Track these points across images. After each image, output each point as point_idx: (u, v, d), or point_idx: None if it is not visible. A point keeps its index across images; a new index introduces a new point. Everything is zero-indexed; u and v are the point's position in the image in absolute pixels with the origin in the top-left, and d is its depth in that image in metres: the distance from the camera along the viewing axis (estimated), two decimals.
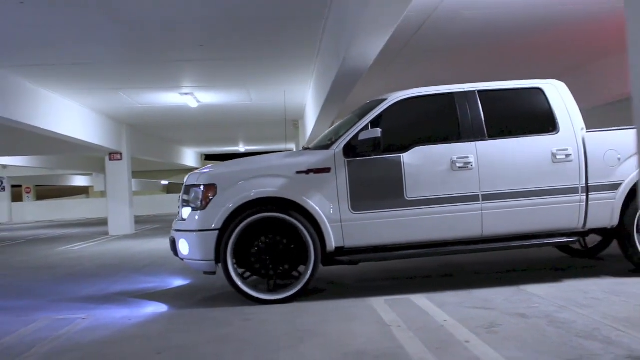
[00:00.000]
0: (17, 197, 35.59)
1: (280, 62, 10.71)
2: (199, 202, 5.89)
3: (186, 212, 6.03)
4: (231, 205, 5.76)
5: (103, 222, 22.83)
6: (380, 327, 4.73)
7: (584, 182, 6.04)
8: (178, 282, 7.66)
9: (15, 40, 8.75)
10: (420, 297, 5.79)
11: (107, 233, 17.90)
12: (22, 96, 11.36)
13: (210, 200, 5.84)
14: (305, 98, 14.50)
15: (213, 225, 5.78)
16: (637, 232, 6.18)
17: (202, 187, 5.92)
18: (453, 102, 6.14)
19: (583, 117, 6.30)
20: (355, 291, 6.31)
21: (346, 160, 5.90)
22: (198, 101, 13.95)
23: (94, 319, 5.66)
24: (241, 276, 5.93)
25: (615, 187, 6.06)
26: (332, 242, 5.84)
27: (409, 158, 5.93)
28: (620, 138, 6.20)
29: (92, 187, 44.43)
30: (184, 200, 6.14)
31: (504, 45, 10.05)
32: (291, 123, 18.07)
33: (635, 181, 6.05)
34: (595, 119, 11.74)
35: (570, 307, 5.04)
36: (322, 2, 7.46)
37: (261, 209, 5.80)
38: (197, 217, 5.88)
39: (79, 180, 43.75)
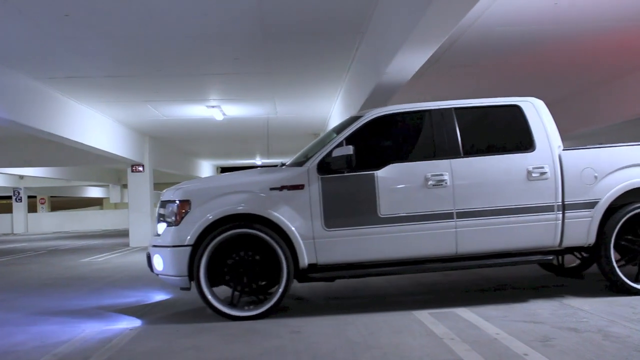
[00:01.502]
0: (31, 208, 35.77)
1: (311, 76, 10.79)
2: (173, 218, 5.93)
3: (161, 227, 6.06)
4: (204, 222, 5.79)
5: (121, 234, 22.93)
6: (434, 340, 4.74)
7: (560, 200, 6.00)
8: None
9: (52, 53, 8.86)
10: (464, 310, 5.81)
11: (127, 244, 17.98)
12: (52, 107, 11.48)
13: (185, 215, 5.87)
14: (329, 111, 14.56)
15: (186, 241, 5.81)
16: (615, 250, 6.16)
17: (176, 203, 5.95)
18: (429, 120, 6.13)
19: (615, 130, 6.32)
20: (397, 304, 6.32)
21: (320, 177, 5.91)
22: (224, 114, 14.04)
23: (140, 329, 5.70)
24: (214, 292, 5.91)
25: (592, 205, 6.02)
26: (304, 259, 5.84)
27: (383, 175, 5.92)
28: (598, 156, 6.17)
29: (106, 198, 44.60)
30: (159, 215, 6.16)
31: (537, 61, 10.08)
32: (312, 136, 18.14)
33: (612, 199, 6.03)
34: (628, 132, 11.83)
35: (620, 321, 5.05)
36: (362, 17, 7.54)
37: (234, 226, 5.82)
38: (171, 233, 5.90)
39: (93, 192, 43.94)
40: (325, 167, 5.91)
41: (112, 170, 28.88)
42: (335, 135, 6.18)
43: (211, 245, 5.78)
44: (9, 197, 34.59)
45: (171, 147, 21.50)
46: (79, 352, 4.95)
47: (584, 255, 7.26)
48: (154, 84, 11.25)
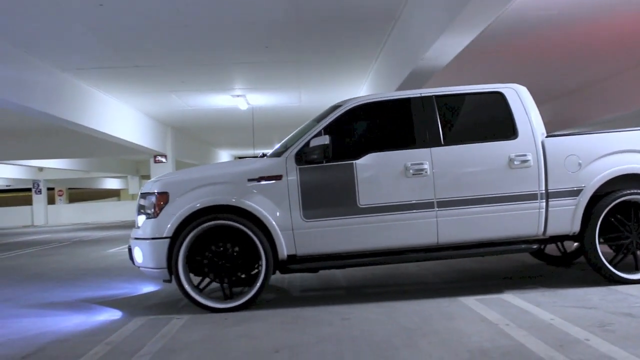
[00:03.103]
0: (49, 200, 36.02)
1: (339, 63, 10.78)
2: (152, 210, 5.92)
3: (141, 219, 6.04)
4: (182, 214, 5.76)
5: None
6: (489, 326, 4.72)
7: (543, 188, 5.89)
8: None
9: (83, 44, 8.89)
10: (511, 296, 5.78)
11: None
12: (80, 98, 11.53)
13: (163, 208, 5.85)
14: None
15: (165, 234, 5.78)
16: (600, 238, 6.04)
17: (155, 195, 5.93)
18: (409, 108, 6.02)
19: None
20: (440, 291, 6.29)
21: (298, 167, 5.84)
22: (248, 103, 14.04)
23: (187, 318, 5.70)
24: (193, 284, 5.88)
25: (576, 192, 5.90)
26: (284, 250, 5.79)
27: (362, 165, 5.84)
28: (582, 143, 6.04)
29: (124, 189, 44.83)
30: (139, 207, 6.13)
31: (570, 42, 9.97)
32: None
33: (596, 186, 5.90)
34: None
35: None
36: (397, 2, 7.47)
37: (212, 217, 5.79)
38: (150, 225, 5.88)
39: (111, 183, 44.18)
40: (303, 157, 5.82)
41: (131, 161, 29.00)
42: (315, 124, 6.09)
43: (189, 237, 5.75)
44: (29, 190, 34.84)
45: (192, 138, 21.57)
46: (132, 340, 4.96)
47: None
48: (181, 73, 11.27)
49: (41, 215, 32.97)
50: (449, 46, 6.63)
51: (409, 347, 4.30)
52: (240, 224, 5.76)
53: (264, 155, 6.30)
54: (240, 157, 36.26)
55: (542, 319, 4.85)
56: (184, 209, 5.79)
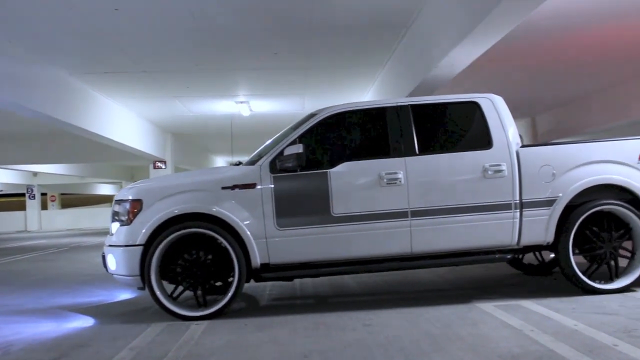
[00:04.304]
0: (42, 205, 35.83)
1: (346, 70, 10.82)
2: (125, 217, 5.91)
3: (115, 226, 6.03)
4: (155, 221, 5.75)
5: None
6: (513, 332, 4.74)
7: (517, 197, 5.89)
8: (259, 286, 7.67)
9: (94, 48, 8.89)
10: (528, 302, 5.81)
11: None
12: (84, 102, 11.55)
13: (137, 215, 5.84)
14: None
15: (138, 241, 5.77)
16: (576, 248, 6.07)
17: (129, 202, 5.92)
18: (385, 117, 6.02)
19: None
20: (455, 298, 6.31)
21: (272, 175, 5.84)
22: (251, 110, 14.05)
23: (206, 324, 5.68)
24: (166, 292, 5.87)
25: (550, 203, 5.91)
26: (257, 259, 5.79)
27: (336, 173, 5.84)
28: (556, 153, 6.06)
29: None
30: (113, 214, 6.12)
31: (575, 51, 10.05)
32: None
33: (570, 197, 5.91)
34: None
35: None
36: (409, 11, 7.53)
37: (185, 225, 5.78)
38: (123, 232, 5.86)
39: (104, 189, 44.01)
40: (277, 165, 5.83)
41: (126, 167, 28.91)
42: (291, 132, 6.08)
43: (162, 245, 5.74)
44: (21, 195, 34.66)
45: (190, 144, 21.56)
46: (155, 345, 4.95)
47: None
48: (187, 79, 11.29)
49: (35, 221, 32.83)
50: (466, 53, 6.67)
51: (438, 352, 4.31)
52: (214, 231, 5.76)
53: (239, 163, 6.30)
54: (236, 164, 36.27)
55: (565, 325, 4.88)
56: (157, 216, 5.77)
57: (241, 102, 13.21)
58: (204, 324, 5.67)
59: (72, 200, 51.16)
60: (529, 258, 7.60)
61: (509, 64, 10.68)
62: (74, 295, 7.83)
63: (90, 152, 18.30)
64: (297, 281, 7.77)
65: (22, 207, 34.16)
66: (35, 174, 30.95)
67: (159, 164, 17.92)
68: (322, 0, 7.16)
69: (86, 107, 11.55)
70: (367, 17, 7.81)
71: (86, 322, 6.10)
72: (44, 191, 36.77)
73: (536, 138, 17.74)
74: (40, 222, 33.18)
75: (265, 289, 7.52)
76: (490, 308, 5.65)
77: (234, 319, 5.85)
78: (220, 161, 30.85)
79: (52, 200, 40.00)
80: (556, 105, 15.80)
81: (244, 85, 11.99)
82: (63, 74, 10.37)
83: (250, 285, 7.65)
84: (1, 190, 41.73)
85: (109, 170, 30.03)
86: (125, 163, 24.66)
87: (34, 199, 33.16)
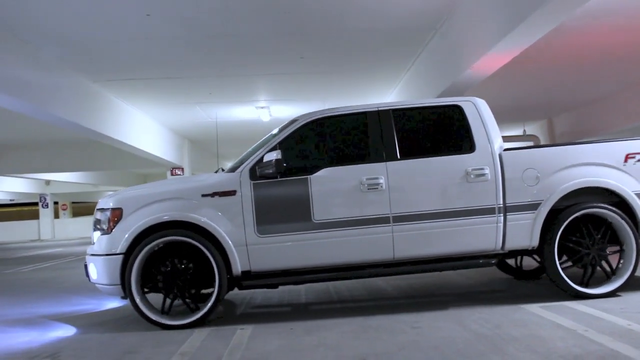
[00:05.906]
0: (54, 214, 35.92)
1: (370, 74, 10.83)
2: (106, 226, 5.89)
3: (96, 235, 6.01)
4: (135, 229, 5.75)
5: None
6: (567, 332, 4.72)
7: (501, 202, 5.84)
8: (294, 290, 7.66)
9: (120, 54, 8.91)
10: (574, 303, 5.76)
11: None
12: (107, 110, 11.60)
13: (117, 223, 5.83)
14: None
15: (118, 250, 5.76)
16: (563, 252, 6.02)
17: (109, 210, 5.90)
18: (365, 122, 5.98)
19: None
20: (497, 300, 6.29)
21: (252, 182, 5.82)
22: (271, 115, 14.07)
23: (251, 329, 5.67)
24: (147, 300, 5.87)
25: (534, 206, 5.84)
26: (237, 266, 5.77)
27: (316, 179, 5.81)
28: (540, 156, 5.99)
29: None
30: (95, 223, 6.10)
31: (594, 51, 10.04)
32: None
33: (555, 200, 5.85)
34: None
35: None
36: (441, 12, 7.53)
37: (165, 233, 5.77)
38: (104, 241, 5.84)
39: None
40: (257, 172, 5.80)
41: (140, 174, 28.94)
42: (272, 138, 6.07)
43: (142, 254, 5.74)
44: (33, 204, 34.75)
45: (206, 150, 21.59)
46: (205, 351, 4.94)
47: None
48: (210, 85, 11.32)
49: (48, 230, 32.91)
50: (501, 55, 6.65)
51: (497, 353, 4.29)
52: (194, 239, 5.75)
53: (222, 170, 6.28)
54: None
55: (618, 324, 4.84)
56: (138, 224, 5.77)
57: (262, 108, 13.23)
58: (249, 328, 5.67)
59: (82, 208, 51.19)
60: (527, 262, 7.53)
61: (529, 65, 10.66)
62: (103, 298, 7.83)
63: (105, 160, 18.35)
64: (330, 286, 7.75)
65: (33, 216, 34.27)
66: (47, 182, 31.02)
67: (177, 171, 17.94)
68: (353, 3, 7.15)
69: (108, 114, 11.58)
70: (396, 20, 7.80)
71: (127, 327, 6.09)
72: (55, 200, 36.87)
73: (554, 139, 17.74)
74: (53, 231, 33.26)
75: (300, 293, 7.50)
76: (537, 309, 5.62)
77: (278, 322, 5.84)
78: None
79: (64, 209, 40.08)
80: (574, 106, 15.78)
81: (265, 90, 12.00)
82: (86, 81, 10.40)
83: (288, 289, 7.66)
84: (12, 200, 41.89)
85: (122, 178, 30.08)
86: (140, 171, 24.68)
87: (47, 207, 33.24)
